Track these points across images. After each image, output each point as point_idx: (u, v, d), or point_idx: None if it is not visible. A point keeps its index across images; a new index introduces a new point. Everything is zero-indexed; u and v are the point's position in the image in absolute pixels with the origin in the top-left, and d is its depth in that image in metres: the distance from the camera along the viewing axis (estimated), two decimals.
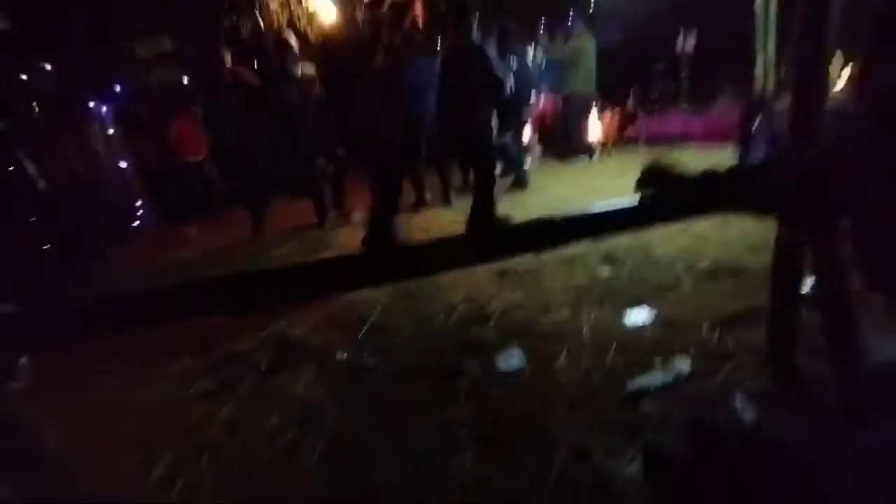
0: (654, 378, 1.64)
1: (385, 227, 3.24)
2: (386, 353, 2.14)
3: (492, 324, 2.26)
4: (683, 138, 6.84)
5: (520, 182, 5.14)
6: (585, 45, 5.99)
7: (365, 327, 2.36)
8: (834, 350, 1.31)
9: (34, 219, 3.45)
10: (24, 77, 4.72)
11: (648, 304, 2.20)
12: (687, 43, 7.99)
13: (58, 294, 3.07)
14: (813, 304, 1.45)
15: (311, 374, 2.03)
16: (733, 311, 2.01)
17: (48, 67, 4.81)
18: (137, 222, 5.83)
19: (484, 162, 3.45)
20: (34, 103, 4.35)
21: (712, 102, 7.59)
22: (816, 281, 1.37)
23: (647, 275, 2.58)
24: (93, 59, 5.10)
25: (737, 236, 2.92)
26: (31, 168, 3.65)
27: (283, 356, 2.22)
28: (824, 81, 1.34)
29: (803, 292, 1.51)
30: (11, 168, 3.51)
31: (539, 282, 2.69)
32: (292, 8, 5.96)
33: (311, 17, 5.93)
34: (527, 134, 5.94)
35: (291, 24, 6.08)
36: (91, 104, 5.40)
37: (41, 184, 3.64)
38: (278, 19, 6.07)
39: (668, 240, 2.97)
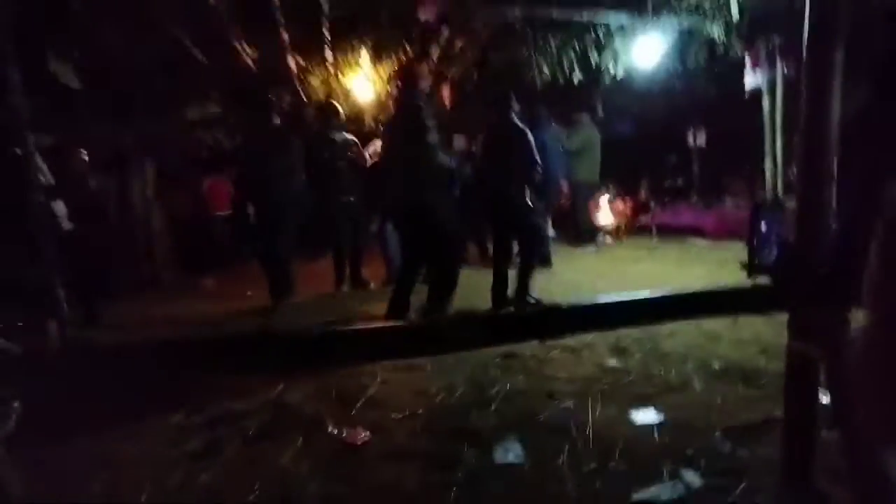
0: (662, 490, 1.53)
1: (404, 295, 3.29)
2: (380, 430, 2.06)
3: (493, 409, 2.18)
4: (693, 231, 6.94)
5: (545, 261, 5.23)
6: (592, 137, 6.35)
7: (361, 400, 2.30)
8: (852, 475, 1.22)
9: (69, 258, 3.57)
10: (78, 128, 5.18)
11: (657, 404, 2.11)
12: (698, 138, 8.40)
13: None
14: (830, 420, 1.38)
15: (300, 446, 1.95)
16: (747, 420, 1.92)
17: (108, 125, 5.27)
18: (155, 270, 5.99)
19: (527, 236, 3.55)
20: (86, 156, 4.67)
21: (722, 198, 7.81)
22: (829, 395, 1.32)
23: (656, 370, 2.50)
24: (149, 120, 5.59)
25: (750, 336, 2.86)
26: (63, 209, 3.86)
27: (274, 423, 2.15)
28: (829, 185, 1.35)
29: (821, 405, 1.45)
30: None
31: (544, 368, 2.63)
32: (332, 84, 6.47)
33: (347, 93, 6.46)
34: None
35: (329, 98, 6.61)
36: (135, 157, 5.81)
37: (76, 227, 3.82)
38: (318, 93, 6.61)
39: (679, 334, 2.91)
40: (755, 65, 4.71)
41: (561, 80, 5.15)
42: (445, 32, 4.72)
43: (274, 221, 3.95)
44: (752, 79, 4.86)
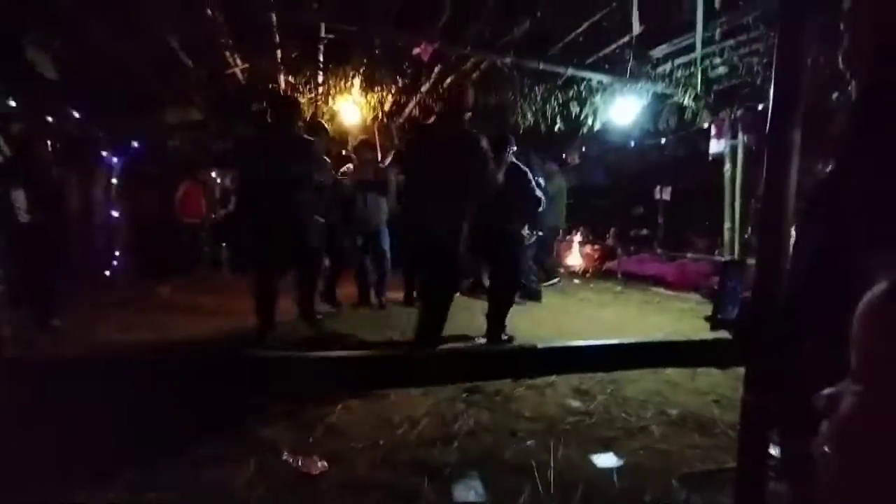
0: None
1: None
2: (339, 458, 1.99)
3: (455, 445, 2.15)
4: (656, 280, 7.24)
5: (537, 296, 5.39)
6: (561, 185, 6.68)
7: (321, 428, 2.22)
8: None
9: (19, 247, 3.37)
10: (49, 118, 5.00)
11: (617, 448, 2.15)
12: (664, 193, 8.88)
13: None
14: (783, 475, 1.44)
15: (254, 471, 1.85)
16: (702, 468, 1.97)
17: (75, 114, 5.10)
18: (111, 271, 5.70)
19: (509, 269, 3.65)
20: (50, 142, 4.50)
21: (684, 251, 8.23)
22: (781, 454, 1.38)
23: (616, 414, 2.55)
24: (125, 118, 5.47)
25: (707, 386, 2.96)
26: (23, 199, 3.67)
27: (225, 448, 2.04)
28: (785, 247, 1.47)
29: (771, 457, 1.51)
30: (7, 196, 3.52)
31: (508, 405, 2.63)
32: (319, 104, 6.51)
33: (333, 115, 6.52)
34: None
35: (314, 118, 6.65)
36: (104, 153, 5.62)
37: (32, 217, 3.62)
38: (304, 112, 6.65)
39: (640, 381, 2.99)
40: (719, 133, 5.12)
41: (543, 127, 5.40)
42: (437, 69, 4.91)
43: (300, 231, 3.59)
44: (716, 145, 5.26)
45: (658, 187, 8.92)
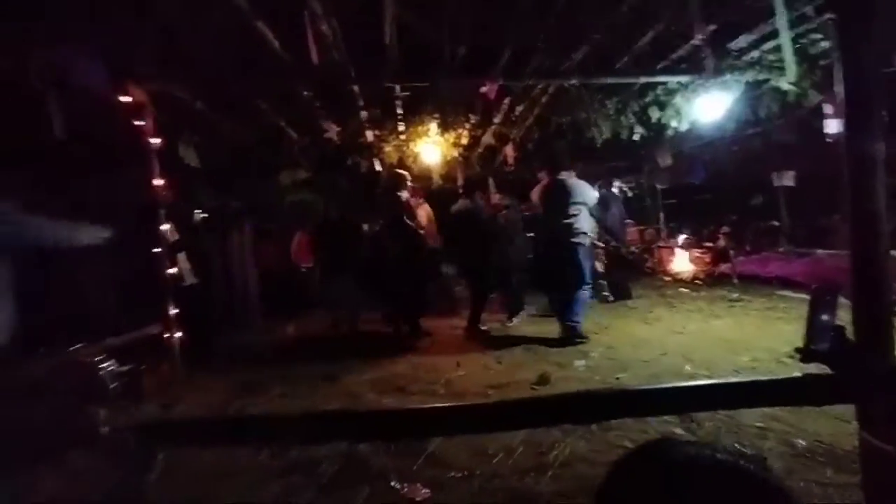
0: None
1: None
2: (440, 486, 2.16)
3: (549, 474, 2.20)
4: (783, 282, 6.35)
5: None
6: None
7: (422, 457, 2.42)
8: None
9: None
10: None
11: None
12: (784, 178, 7.75)
13: None
14: None
15: (365, 499, 2.10)
16: None
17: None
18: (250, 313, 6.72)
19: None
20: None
21: (820, 243, 7.05)
22: None
23: (729, 444, 2.35)
24: (250, 186, 6.61)
25: (843, 411, 2.57)
26: (188, 266, 4.63)
27: (344, 473, 2.33)
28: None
29: None
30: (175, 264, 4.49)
31: (606, 434, 2.58)
32: (404, 150, 7.09)
33: (416, 157, 7.06)
34: None
35: (402, 162, 7.26)
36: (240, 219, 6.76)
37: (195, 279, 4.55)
38: (391, 158, 7.28)
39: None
40: (837, 110, 4.44)
41: (623, 137, 5.23)
42: (506, 101, 5.09)
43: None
44: (834, 124, 4.57)
45: (774, 174, 7.88)
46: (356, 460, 2.45)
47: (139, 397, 3.45)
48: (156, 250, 3.94)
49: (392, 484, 2.20)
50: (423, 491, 2.12)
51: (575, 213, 4.37)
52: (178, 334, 4.02)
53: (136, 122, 3.82)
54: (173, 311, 4.00)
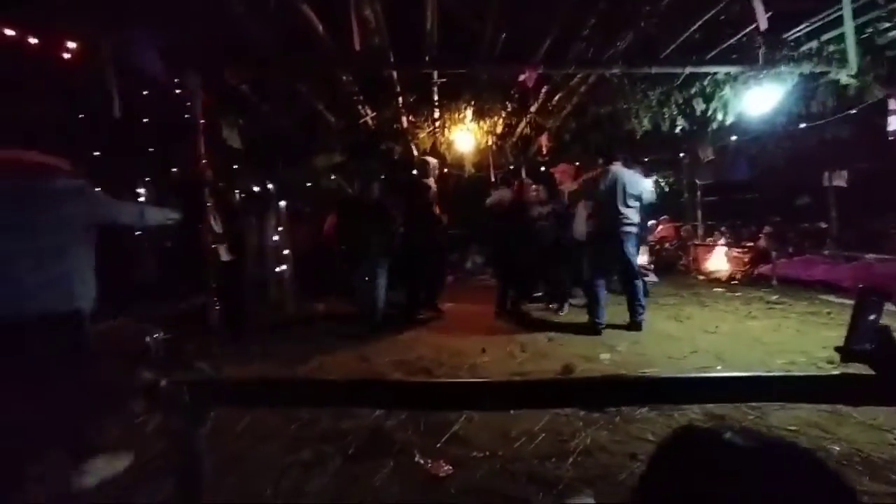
0: None
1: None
2: (462, 464, 2.22)
3: (570, 461, 2.22)
4: (827, 286, 6.05)
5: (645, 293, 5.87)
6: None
7: (447, 435, 2.49)
8: None
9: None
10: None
11: None
12: (837, 178, 7.36)
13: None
14: None
15: (389, 471, 2.19)
16: None
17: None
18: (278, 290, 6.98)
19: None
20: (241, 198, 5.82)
21: (872, 248, 6.68)
22: None
23: None
24: (288, 171, 6.79)
25: (881, 418, 2.49)
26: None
27: (371, 445, 2.43)
28: None
29: None
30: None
31: (629, 426, 2.58)
32: (437, 136, 7.13)
33: (450, 145, 7.08)
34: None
35: (434, 148, 7.29)
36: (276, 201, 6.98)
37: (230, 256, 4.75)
38: (424, 145, 7.33)
39: (791, 406, 2.64)
40: None
41: (664, 129, 5.07)
42: (544, 90, 5.01)
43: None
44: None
45: (826, 173, 7.47)
46: (382, 435, 2.55)
47: (180, 365, 3.68)
48: (199, 226, 4.15)
49: (416, 459, 2.28)
50: (446, 467, 2.19)
51: (632, 205, 4.28)
52: (217, 307, 4.22)
53: (187, 104, 4.01)
54: (213, 286, 4.20)
